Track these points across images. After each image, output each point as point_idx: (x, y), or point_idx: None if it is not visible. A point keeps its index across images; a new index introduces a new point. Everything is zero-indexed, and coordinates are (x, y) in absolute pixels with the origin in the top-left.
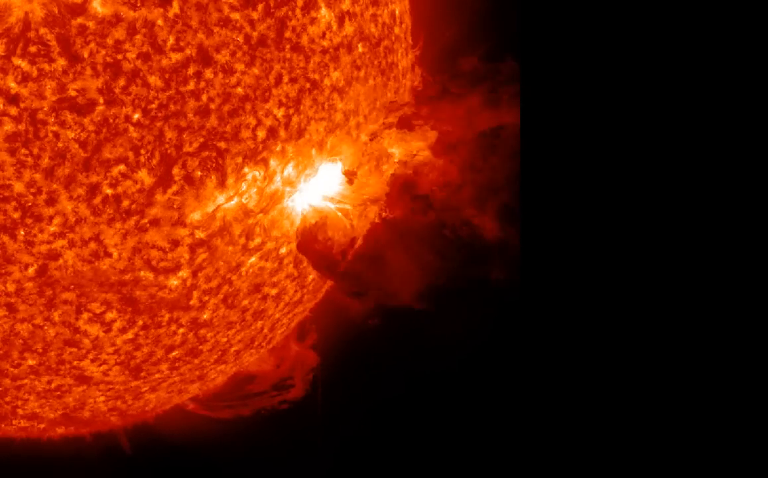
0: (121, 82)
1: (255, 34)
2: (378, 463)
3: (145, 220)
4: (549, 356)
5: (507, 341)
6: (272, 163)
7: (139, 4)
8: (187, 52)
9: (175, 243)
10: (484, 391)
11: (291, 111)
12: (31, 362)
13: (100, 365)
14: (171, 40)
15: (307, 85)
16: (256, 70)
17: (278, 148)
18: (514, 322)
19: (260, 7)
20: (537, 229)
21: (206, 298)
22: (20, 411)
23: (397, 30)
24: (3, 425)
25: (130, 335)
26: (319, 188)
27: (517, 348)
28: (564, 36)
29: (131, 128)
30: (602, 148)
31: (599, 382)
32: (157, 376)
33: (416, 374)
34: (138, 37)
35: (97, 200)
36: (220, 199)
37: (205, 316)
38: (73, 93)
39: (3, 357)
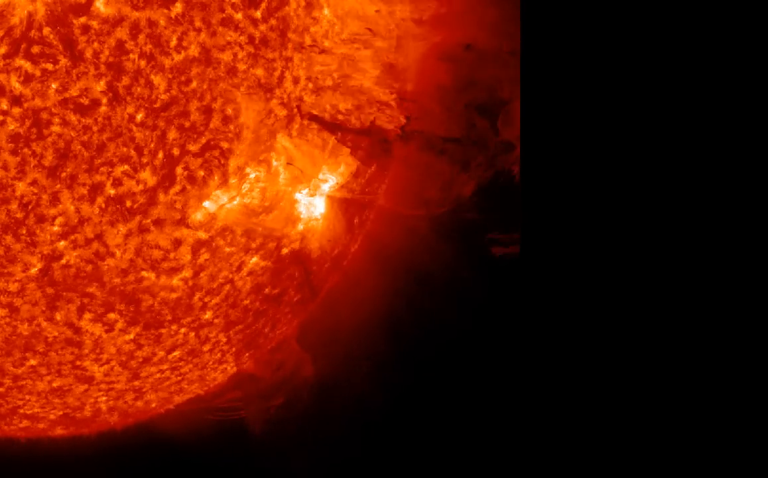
0: (124, 82)
1: (257, 33)
2: (378, 463)
3: (148, 221)
4: (549, 355)
5: (506, 343)
6: (274, 162)
7: (141, 4)
8: (190, 51)
9: (178, 243)
10: (482, 390)
11: (294, 111)
12: (32, 362)
13: (102, 365)
14: (174, 40)
15: (309, 85)
16: (259, 71)
17: (280, 147)
18: (514, 322)
19: (263, 6)
20: (537, 231)
21: (208, 298)
22: (21, 411)
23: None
24: (3, 425)
25: (131, 334)
26: (321, 187)
27: (516, 349)
28: (564, 36)
29: (134, 128)
30: (602, 149)
31: (598, 382)
32: (158, 376)
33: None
34: (141, 36)
35: (100, 200)
36: (223, 199)
37: (207, 316)
38: (76, 93)
39: (5, 357)
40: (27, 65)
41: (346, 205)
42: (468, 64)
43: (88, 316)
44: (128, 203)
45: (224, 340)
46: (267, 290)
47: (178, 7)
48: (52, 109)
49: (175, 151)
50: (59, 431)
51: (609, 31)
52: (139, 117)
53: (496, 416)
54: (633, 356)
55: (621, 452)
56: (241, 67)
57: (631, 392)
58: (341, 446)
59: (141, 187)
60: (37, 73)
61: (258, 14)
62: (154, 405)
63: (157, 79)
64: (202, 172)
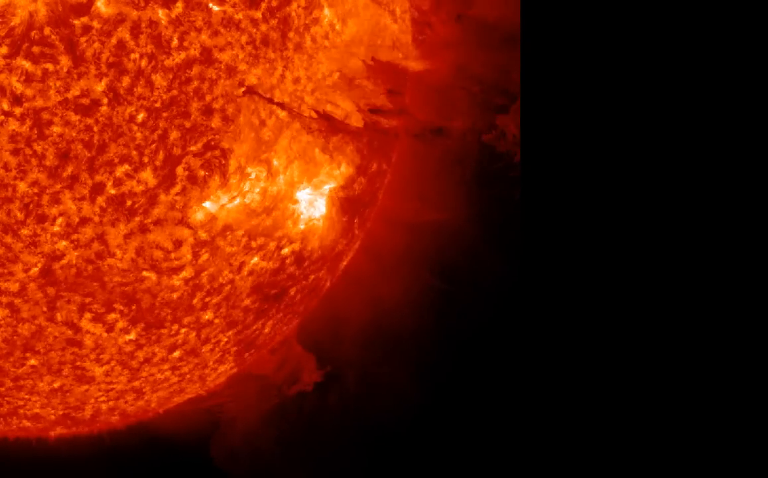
0: (125, 82)
1: (258, 34)
2: (380, 464)
3: (149, 221)
4: (548, 357)
5: (505, 343)
6: (275, 162)
7: (142, 4)
8: (191, 51)
9: (178, 243)
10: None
11: (295, 111)
12: (33, 362)
13: (102, 365)
14: (175, 40)
15: (309, 86)
16: (259, 71)
17: (280, 147)
18: (513, 323)
19: (263, 6)
20: (538, 231)
21: (208, 298)
22: (21, 411)
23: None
24: (3, 425)
25: (132, 335)
26: (321, 187)
27: (516, 352)
28: (564, 37)
29: (135, 128)
30: (602, 150)
31: (597, 386)
32: (158, 376)
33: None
34: (142, 37)
35: (101, 200)
36: (224, 199)
37: (207, 316)
38: (77, 93)
39: (5, 357)
40: (28, 65)
41: (346, 205)
42: (467, 50)
43: (88, 316)
44: (129, 203)
45: (225, 340)
46: (267, 290)
47: (179, 7)
48: (53, 109)
49: (176, 151)
50: (59, 431)
51: (613, 20)
52: (140, 117)
53: (511, 427)
54: (648, 358)
55: (628, 453)
56: (242, 67)
57: (645, 396)
58: (344, 451)
59: (142, 187)
60: (38, 73)
61: (258, 15)
62: (154, 405)
63: (157, 79)
64: (202, 172)
